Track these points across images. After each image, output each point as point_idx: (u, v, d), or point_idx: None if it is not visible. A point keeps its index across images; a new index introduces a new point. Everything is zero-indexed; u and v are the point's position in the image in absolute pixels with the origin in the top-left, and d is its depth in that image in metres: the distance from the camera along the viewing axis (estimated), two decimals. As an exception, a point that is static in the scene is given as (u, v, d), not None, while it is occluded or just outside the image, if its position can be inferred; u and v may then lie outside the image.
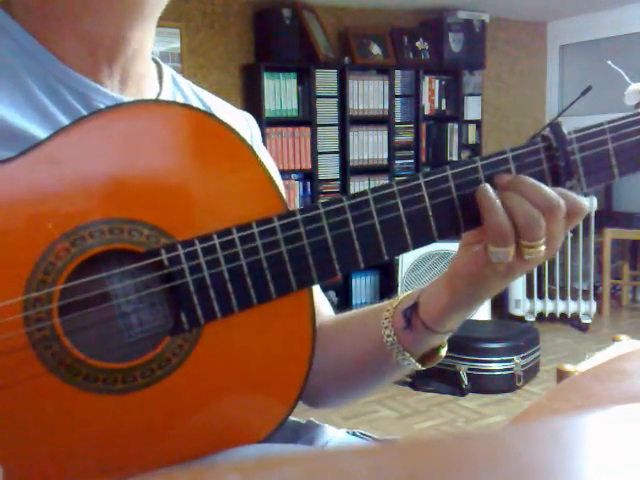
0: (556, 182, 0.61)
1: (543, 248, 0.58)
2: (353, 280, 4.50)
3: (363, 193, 0.60)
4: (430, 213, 0.60)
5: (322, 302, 0.78)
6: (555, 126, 0.61)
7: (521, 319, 4.23)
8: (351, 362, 0.72)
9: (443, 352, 0.71)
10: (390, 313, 0.69)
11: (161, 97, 0.72)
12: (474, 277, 0.62)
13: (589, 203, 4.05)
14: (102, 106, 0.64)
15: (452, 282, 0.64)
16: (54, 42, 0.65)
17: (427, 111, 4.68)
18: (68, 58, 0.65)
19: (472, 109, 4.84)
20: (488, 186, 0.59)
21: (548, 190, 0.58)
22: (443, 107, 4.73)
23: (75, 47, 0.65)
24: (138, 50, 0.69)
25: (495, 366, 3.19)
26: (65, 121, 0.61)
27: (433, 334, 0.67)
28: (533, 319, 4.27)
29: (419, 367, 0.69)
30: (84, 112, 0.63)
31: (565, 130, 0.61)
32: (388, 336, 0.68)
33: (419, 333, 0.67)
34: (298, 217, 0.58)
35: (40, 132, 0.59)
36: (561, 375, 1.37)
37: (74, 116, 0.62)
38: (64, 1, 0.63)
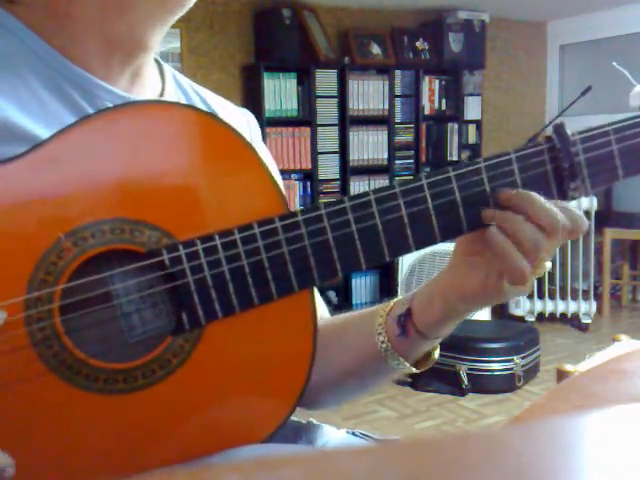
0: (560, 183, 0.61)
1: (549, 265, 0.59)
2: (353, 280, 4.50)
3: (365, 194, 0.60)
4: (432, 214, 0.60)
5: (318, 303, 0.78)
6: (559, 127, 0.61)
7: (521, 319, 4.23)
8: (345, 366, 0.72)
9: (436, 354, 0.70)
10: (384, 319, 0.69)
11: (164, 96, 0.73)
12: (479, 300, 0.62)
13: (589, 203, 4.05)
14: (109, 104, 0.64)
15: (447, 297, 0.64)
16: (63, 41, 0.64)
17: (427, 111, 4.68)
18: (78, 57, 0.65)
19: (472, 109, 4.83)
20: (497, 230, 0.59)
21: (552, 208, 0.58)
22: (443, 107, 4.73)
23: (90, 47, 0.65)
24: (151, 51, 0.69)
25: (495, 366, 3.19)
26: (71, 120, 0.61)
27: (427, 340, 0.67)
28: (533, 319, 4.27)
29: (413, 370, 0.69)
30: (90, 111, 0.63)
31: (569, 131, 0.61)
32: (382, 342, 0.68)
33: (413, 339, 0.67)
34: (299, 218, 0.58)
35: (46, 132, 0.59)
36: (561, 375, 1.37)
37: (80, 115, 0.62)
38: (92, 3, 0.63)
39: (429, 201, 0.60)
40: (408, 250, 0.61)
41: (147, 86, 0.72)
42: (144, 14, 0.64)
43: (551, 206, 0.58)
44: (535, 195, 0.58)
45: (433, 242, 0.61)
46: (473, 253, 0.62)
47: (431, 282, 0.66)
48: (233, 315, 0.58)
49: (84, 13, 0.64)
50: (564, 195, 0.61)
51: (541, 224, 0.57)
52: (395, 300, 0.70)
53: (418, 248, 0.61)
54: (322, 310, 0.79)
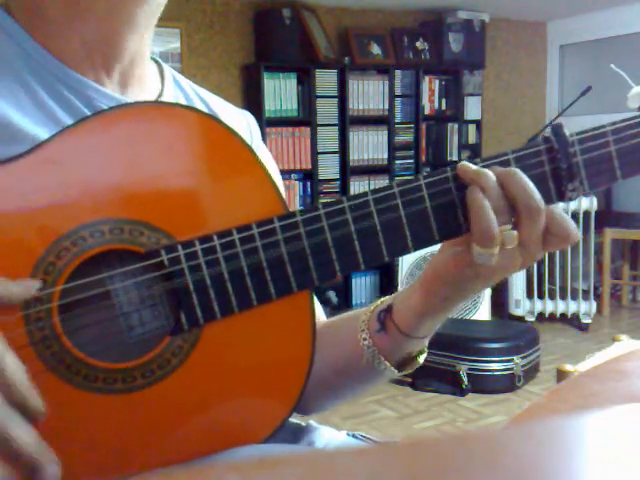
0: (558, 184, 0.60)
1: (513, 233, 0.57)
2: (353, 280, 4.50)
3: (363, 194, 0.59)
4: (431, 215, 0.60)
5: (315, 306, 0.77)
6: (557, 128, 0.61)
7: (521, 319, 4.23)
8: (333, 365, 0.71)
9: (421, 359, 0.70)
10: (367, 316, 0.69)
11: (163, 97, 0.73)
12: (452, 278, 0.61)
13: (589, 203, 4.05)
14: (104, 107, 0.64)
15: (427, 284, 0.63)
16: (53, 44, 0.65)
17: (427, 111, 4.68)
18: (68, 60, 0.66)
19: (472, 109, 4.84)
20: (477, 188, 0.58)
21: (533, 189, 0.57)
22: (443, 107, 4.73)
23: (74, 50, 0.66)
24: (137, 53, 0.69)
25: (495, 366, 3.19)
26: (69, 121, 0.62)
27: (407, 339, 0.66)
28: (533, 319, 4.27)
29: (395, 372, 0.69)
30: (87, 112, 0.64)
31: (567, 132, 0.60)
32: (364, 339, 0.68)
33: (393, 337, 0.66)
34: (298, 218, 0.58)
35: (44, 132, 0.59)
36: (561, 375, 1.37)
37: (77, 116, 0.62)
38: (60, 6, 0.64)
39: (427, 201, 0.60)
40: (407, 250, 0.60)
41: (145, 87, 0.72)
42: (107, 10, 0.64)
43: (534, 189, 0.57)
44: (519, 172, 0.58)
45: (432, 242, 0.61)
46: (458, 243, 0.62)
47: (415, 279, 0.66)
48: (232, 315, 0.58)
49: (54, 13, 0.64)
50: (562, 196, 0.60)
51: (518, 196, 0.57)
52: (383, 298, 0.70)
53: (417, 248, 0.61)
54: (318, 313, 0.78)
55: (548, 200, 0.59)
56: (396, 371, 0.68)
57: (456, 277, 0.61)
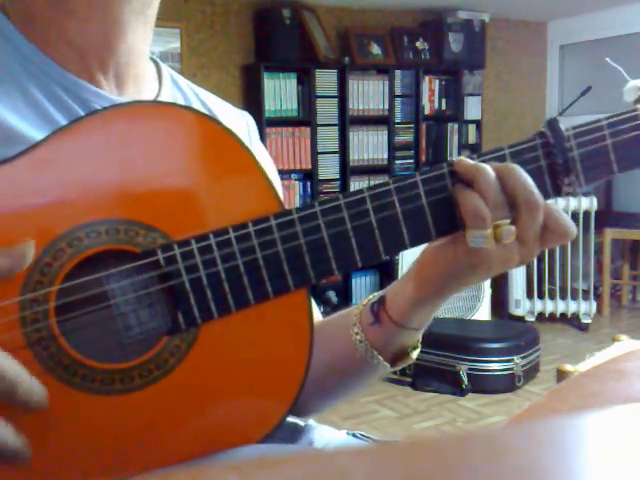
0: (554, 179, 0.60)
1: (511, 228, 0.57)
2: (353, 280, 4.51)
3: (360, 191, 0.60)
4: (427, 211, 0.60)
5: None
6: (552, 122, 0.61)
7: (521, 319, 4.24)
8: (325, 363, 0.71)
9: (415, 354, 0.69)
10: (359, 310, 0.69)
11: (161, 97, 0.73)
12: (450, 267, 0.61)
13: (589, 203, 4.05)
14: (99, 107, 0.64)
15: (424, 273, 0.63)
16: (48, 46, 0.65)
17: (427, 111, 4.68)
18: (64, 62, 0.66)
19: (472, 109, 4.84)
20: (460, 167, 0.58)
21: (532, 184, 0.57)
22: (443, 107, 4.74)
23: (67, 51, 0.66)
24: (132, 53, 0.69)
25: (495, 366, 3.19)
26: (64, 123, 0.62)
27: (401, 330, 0.66)
28: (533, 319, 4.27)
29: (388, 367, 0.68)
30: (82, 114, 0.63)
31: (563, 126, 0.60)
32: (356, 333, 0.68)
33: (386, 328, 0.66)
34: (294, 216, 0.58)
35: (39, 134, 0.59)
36: (561, 375, 1.37)
37: (73, 118, 0.62)
38: (47, 8, 0.64)
39: (423, 198, 0.60)
40: (404, 247, 0.60)
41: (142, 87, 0.71)
42: (90, 10, 0.64)
43: (532, 184, 0.57)
44: (518, 167, 0.58)
45: (429, 239, 0.61)
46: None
47: (409, 267, 0.66)
48: (229, 315, 0.58)
49: (43, 16, 0.65)
50: (558, 190, 0.61)
51: (518, 192, 0.57)
52: (375, 293, 0.70)
53: (413, 245, 0.61)
54: (314, 312, 0.78)
55: (545, 195, 0.59)
56: (389, 365, 0.68)
57: (453, 266, 0.61)
